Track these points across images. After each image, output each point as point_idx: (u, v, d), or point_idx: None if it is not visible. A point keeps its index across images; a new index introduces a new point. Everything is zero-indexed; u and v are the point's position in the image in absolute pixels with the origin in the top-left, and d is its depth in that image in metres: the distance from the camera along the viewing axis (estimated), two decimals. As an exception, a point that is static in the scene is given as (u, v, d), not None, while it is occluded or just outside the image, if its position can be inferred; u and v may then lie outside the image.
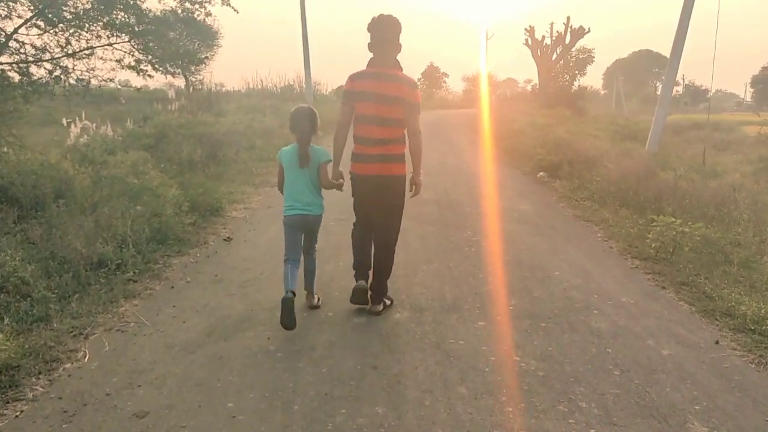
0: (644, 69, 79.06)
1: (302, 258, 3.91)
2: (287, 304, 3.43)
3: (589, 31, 27.14)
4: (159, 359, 3.26)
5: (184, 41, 32.16)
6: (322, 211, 3.89)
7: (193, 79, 33.61)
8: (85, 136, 9.24)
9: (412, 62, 66.93)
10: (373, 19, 3.70)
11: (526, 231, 6.16)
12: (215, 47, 33.37)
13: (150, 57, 7.65)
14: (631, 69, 72.45)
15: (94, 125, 11.96)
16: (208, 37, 32.71)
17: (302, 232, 3.87)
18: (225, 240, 5.73)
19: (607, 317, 3.93)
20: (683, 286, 4.63)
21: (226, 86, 31.35)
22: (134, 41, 7.31)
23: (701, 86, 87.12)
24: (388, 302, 4.01)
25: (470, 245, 5.58)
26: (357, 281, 3.94)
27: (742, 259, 5.10)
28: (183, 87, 31.01)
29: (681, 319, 3.96)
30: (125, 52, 7.46)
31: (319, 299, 4.08)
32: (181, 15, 7.40)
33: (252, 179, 8.72)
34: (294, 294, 3.52)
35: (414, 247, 5.48)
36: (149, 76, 7.60)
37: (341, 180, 3.92)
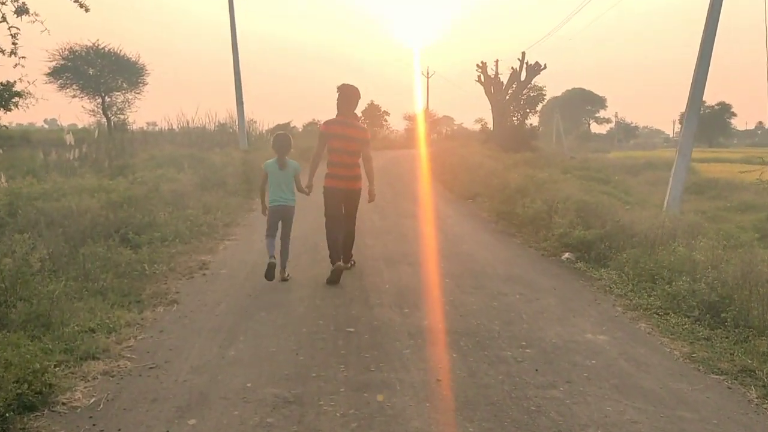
0: (577, 107, 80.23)
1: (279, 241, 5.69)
2: (271, 266, 5.38)
3: (545, 67, 25.45)
4: None
5: (106, 78, 28.70)
6: (294, 204, 5.75)
7: (116, 119, 29.97)
8: None
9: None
10: (339, 87, 5.75)
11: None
12: (141, 85, 30.21)
13: None
14: (566, 107, 73.11)
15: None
16: (132, 73, 29.57)
17: (280, 219, 5.68)
18: None
19: None
20: None
21: (159, 125, 27.83)
22: None
23: (631, 123, 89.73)
24: (353, 261, 6.18)
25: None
26: (333, 263, 5.59)
27: None
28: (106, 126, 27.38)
29: None
30: None
31: (288, 274, 5.73)
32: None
33: (139, 290, 5.14)
34: (275, 258, 5.47)
35: None
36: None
37: (310, 189, 5.85)
